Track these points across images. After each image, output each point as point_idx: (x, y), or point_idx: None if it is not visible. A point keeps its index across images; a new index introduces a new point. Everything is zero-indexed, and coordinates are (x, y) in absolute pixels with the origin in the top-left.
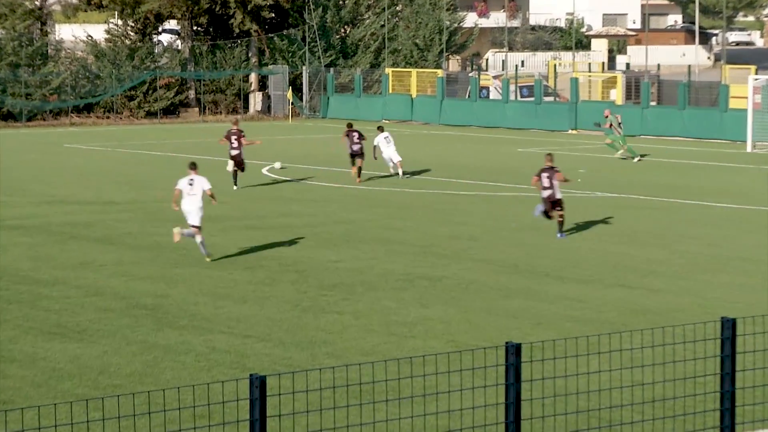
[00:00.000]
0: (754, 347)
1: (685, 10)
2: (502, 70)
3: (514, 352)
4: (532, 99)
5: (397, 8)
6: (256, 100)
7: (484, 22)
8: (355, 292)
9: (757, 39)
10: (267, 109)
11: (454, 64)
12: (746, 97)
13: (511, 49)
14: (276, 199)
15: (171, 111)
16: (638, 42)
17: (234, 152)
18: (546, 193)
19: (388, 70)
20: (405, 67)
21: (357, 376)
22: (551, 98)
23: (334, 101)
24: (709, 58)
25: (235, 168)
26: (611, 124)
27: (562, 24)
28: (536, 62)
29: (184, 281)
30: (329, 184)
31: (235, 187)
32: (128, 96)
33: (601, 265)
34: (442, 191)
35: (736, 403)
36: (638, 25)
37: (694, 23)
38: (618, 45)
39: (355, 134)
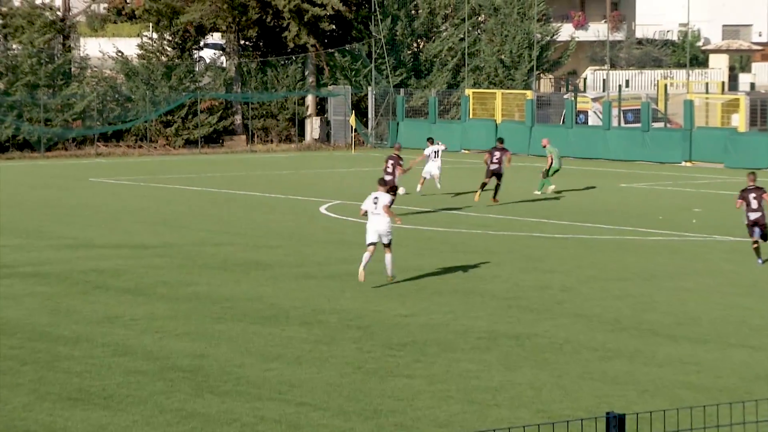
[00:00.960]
0: None
1: None
2: (603, 91)
3: (616, 424)
4: (638, 125)
5: (479, 19)
6: (313, 127)
7: (582, 35)
8: (428, 353)
9: None
10: (326, 136)
11: (546, 84)
12: None
13: (613, 66)
14: (336, 243)
15: (214, 139)
16: (765, 58)
17: (387, 177)
18: (754, 216)
19: (469, 92)
20: (488, 87)
21: None
22: (661, 124)
23: (404, 128)
24: None
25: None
26: (552, 157)
27: (675, 37)
28: (643, 82)
29: (227, 339)
30: (398, 225)
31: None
32: (164, 122)
33: (721, 321)
34: (530, 234)
35: None
36: (765, 38)
37: None
38: (741, 61)
39: (497, 153)
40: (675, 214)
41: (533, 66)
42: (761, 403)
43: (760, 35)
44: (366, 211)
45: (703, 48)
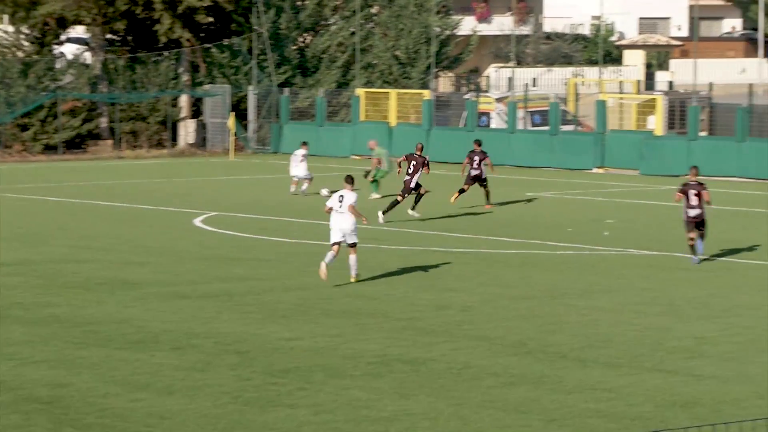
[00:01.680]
0: None
1: (746, 12)
2: (508, 90)
3: None
4: (546, 128)
5: (372, 11)
6: (187, 130)
7: (485, 29)
8: (313, 380)
9: None
10: (202, 141)
11: (445, 83)
12: None
13: (519, 63)
14: (211, 259)
15: (77, 144)
16: (684, 54)
17: (407, 177)
18: (693, 213)
19: (360, 92)
20: (382, 87)
21: None
22: (571, 127)
23: (288, 131)
24: None
25: (412, 192)
26: (380, 160)
27: (586, 31)
28: (552, 80)
29: (90, 366)
30: (283, 239)
31: (412, 212)
32: (21, 125)
33: (634, 343)
34: (428, 248)
35: None
36: (685, 33)
37: (756, 29)
38: (658, 58)
39: (477, 157)
40: (586, 226)
41: (431, 63)
42: None
43: (679, 29)
44: (330, 209)
45: (617, 43)
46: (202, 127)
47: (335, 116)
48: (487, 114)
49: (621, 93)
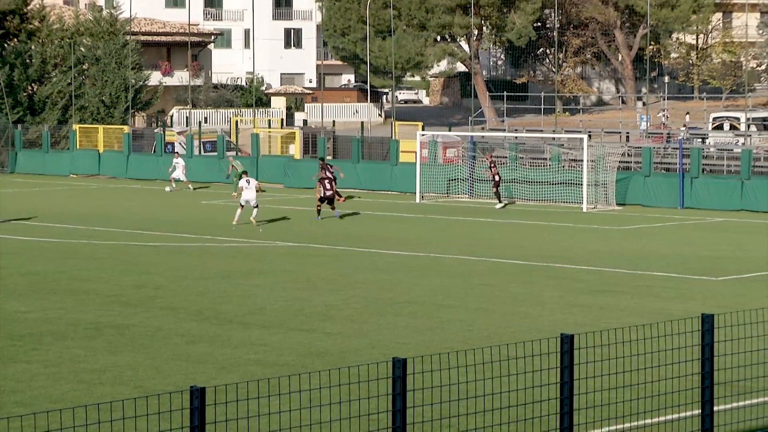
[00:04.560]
0: (422, 385)
1: (358, 70)
2: (187, 126)
3: (198, 395)
4: (215, 154)
5: (84, 66)
6: None
7: (169, 81)
8: (44, 342)
9: (423, 97)
10: None
11: (140, 121)
12: (414, 152)
13: (194, 106)
14: None
15: None
16: (315, 100)
17: (328, 193)
18: (328, 193)
19: (76, 127)
20: (92, 123)
21: (46, 424)
22: (233, 153)
23: (22, 156)
24: (380, 115)
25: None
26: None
27: (243, 83)
28: (219, 119)
29: None
30: (17, 237)
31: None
32: None
33: (282, 310)
34: (129, 243)
35: None
36: (314, 84)
37: (366, 82)
38: (296, 103)
39: (329, 166)
40: (246, 225)
41: (129, 105)
42: (313, 375)
43: (310, 81)
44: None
45: (266, 92)
46: None
47: (57, 145)
48: (172, 143)
49: (269, 128)
